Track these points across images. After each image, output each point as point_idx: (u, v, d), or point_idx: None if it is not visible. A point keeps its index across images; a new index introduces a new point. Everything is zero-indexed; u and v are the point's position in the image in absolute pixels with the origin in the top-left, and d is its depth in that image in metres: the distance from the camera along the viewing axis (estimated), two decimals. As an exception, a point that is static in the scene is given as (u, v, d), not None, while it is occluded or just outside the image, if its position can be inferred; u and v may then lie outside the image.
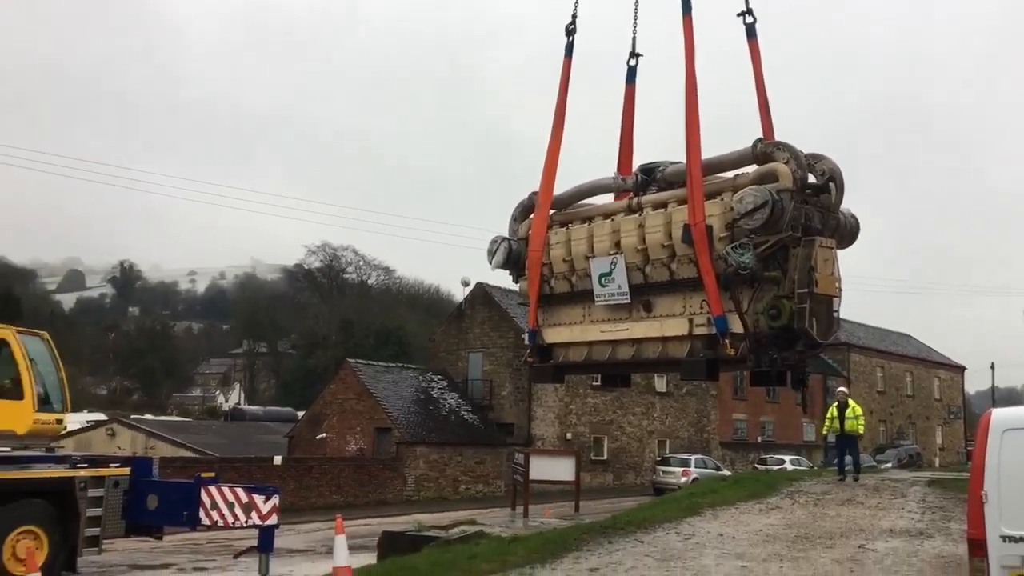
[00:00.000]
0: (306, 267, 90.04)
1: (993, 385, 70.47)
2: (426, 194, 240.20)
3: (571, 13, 12.27)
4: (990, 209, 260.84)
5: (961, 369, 76.87)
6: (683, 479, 36.37)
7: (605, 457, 45.29)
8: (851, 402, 19.75)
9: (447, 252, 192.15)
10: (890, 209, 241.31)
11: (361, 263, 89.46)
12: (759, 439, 54.98)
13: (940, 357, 75.54)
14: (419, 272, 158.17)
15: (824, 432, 20.44)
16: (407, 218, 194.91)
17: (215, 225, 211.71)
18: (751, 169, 10.39)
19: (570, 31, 12.29)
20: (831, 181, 10.12)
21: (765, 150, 10.18)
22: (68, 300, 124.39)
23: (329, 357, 64.99)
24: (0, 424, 13.46)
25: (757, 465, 42.39)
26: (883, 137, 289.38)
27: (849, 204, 10.43)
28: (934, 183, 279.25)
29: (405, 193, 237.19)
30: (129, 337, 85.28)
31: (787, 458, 43.51)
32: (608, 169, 12.40)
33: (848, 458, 19.53)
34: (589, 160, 12.83)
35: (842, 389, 21.43)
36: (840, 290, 10.07)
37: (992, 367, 69.74)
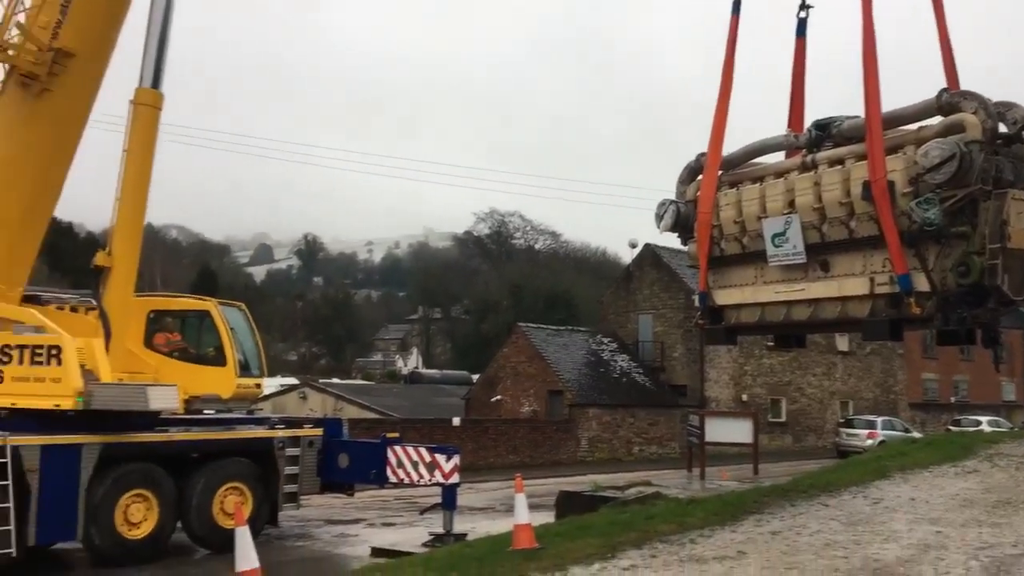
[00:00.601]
0: (475, 234, 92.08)
1: None
2: (590, 156, 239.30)
3: None
4: None
5: None
6: (868, 442, 34.87)
7: (783, 419, 44.02)
8: None
9: (613, 214, 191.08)
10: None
11: (528, 228, 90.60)
12: (952, 400, 51.80)
13: None
14: (586, 235, 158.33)
15: None
16: (572, 181, 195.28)
17: (388, 197, 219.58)
18: (935, 121, 9.87)
19: None
20: None
21: (951, 100, 9.67)
22: (259, 273, 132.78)
23: (500, 322, 66.34)
24: (206, 388, 14.61)
25: (950, 427, 40.02)
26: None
27: None
28: None
29: (570, 156, 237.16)
30: (315, 306, 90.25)
31: (984, 419, 40.79)
32: (775, 128, 12.04)
33: None
34: (757, 119, 12.35)
35: None
36: None
37: None
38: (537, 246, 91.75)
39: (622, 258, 71.82)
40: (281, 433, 15.18)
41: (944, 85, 10.13)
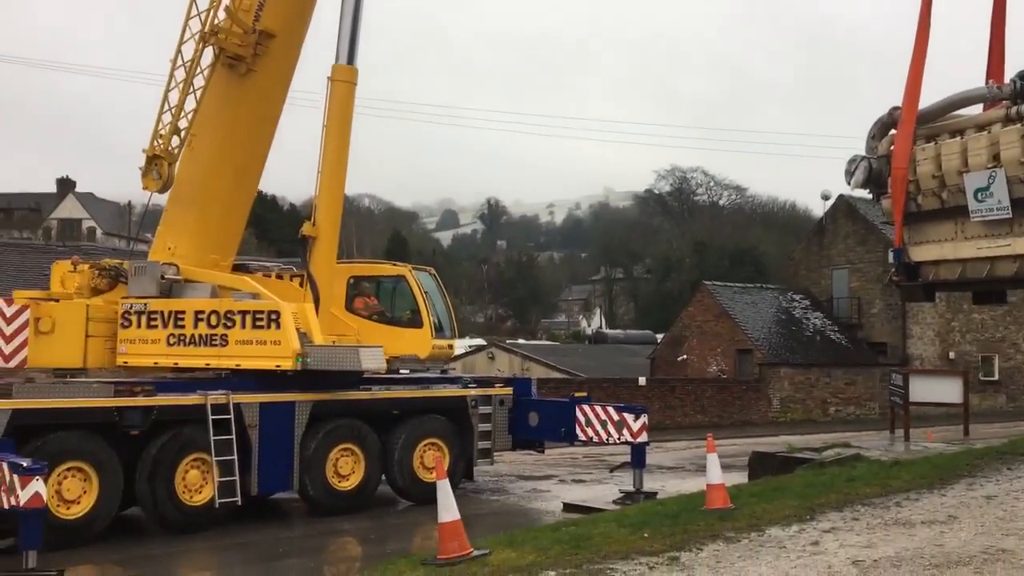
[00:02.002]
0: (656, 192, 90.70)
1: None
2: (770, 106, 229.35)
3: None
4: None
5: None
6: (1097, 402, 31.90)
7: (996, 378, 40.93)
8: None
9: (802, 165, 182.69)
10: None
11: (711, 184, 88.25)
12: None
13: None
14: (773, 189, 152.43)
15: None
16: (756, 132, 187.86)
17: (567, 158, 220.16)
18: None
19: None
20: None
21: None
22: (445, 238, 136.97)
23: (684, 280, 65.32)
24: (405, 349, 15.31)
25: None
26: None
27: None
28: None
29: (750, 107, 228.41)
30: (499, 268, 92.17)
31: None
32: (973, 81, 11.45)
33: None
34: (953, 71, 11.59)
35: None
36: None
37: None
38: (721, 202, 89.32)
39: (813, 211, 68.93)
40: (474, 392, 15.70)
41: None
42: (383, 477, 14.51)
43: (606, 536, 8.98)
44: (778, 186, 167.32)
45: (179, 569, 11.25)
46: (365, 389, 14.66)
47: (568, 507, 13.86)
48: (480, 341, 54.78)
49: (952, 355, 39.30)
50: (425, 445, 14.79)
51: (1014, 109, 10.37)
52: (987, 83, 11.19)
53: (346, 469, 13.79)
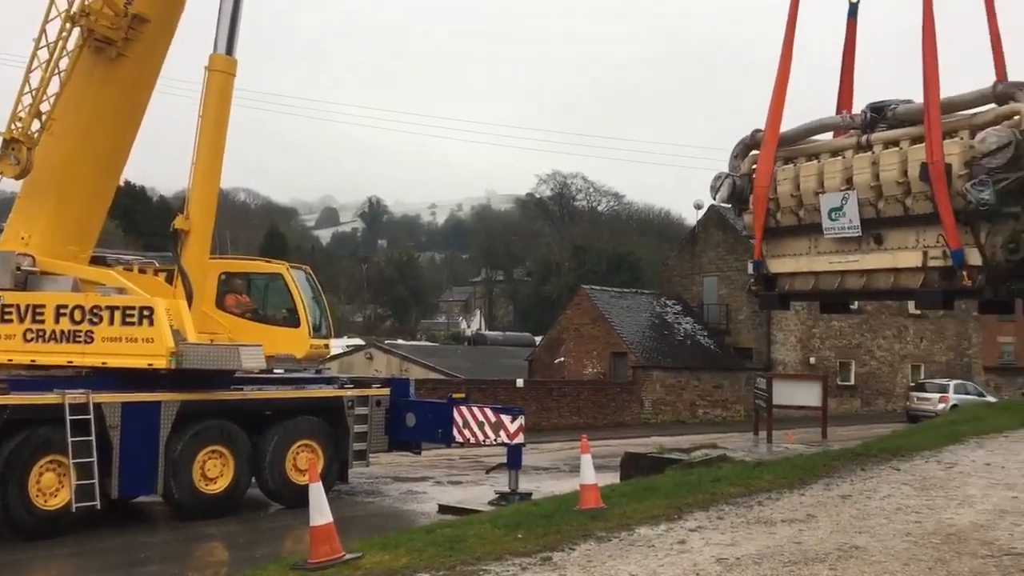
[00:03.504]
0: (537, 196, 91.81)
1: None
2: (651, 117, 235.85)
3: None
4: None
5: None
6: (940, 406, 34.15)
7: (852, 382, 43.32)
8: None
9: (678, 175, 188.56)
10: None
11: (591, 190, 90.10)
12: (1029, 364, 50.35)
13: None
14: (649, 196, 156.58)
15: None
16: (636, 141, 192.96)
17: (450, 160, 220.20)
18: (989, 108, 10.50)
19: None
20: None
21: (1005, 91, 10.36)
22: (325, 235, 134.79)
23: (563, 284, 66.32)
24: (280, 349, 14.95)
25: (1027, 392, 38.96)
26: None
27: None
28: None
29: (629, 115, 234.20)
30: (380, 268, 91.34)
31: (1063, 384, 39.59)
32: (823, 107, 12.59)
33: None
34: (807, 97, 12.56)
35: None
36: None
37: None
38: (600, 208, 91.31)
39: (686, 220, 71.01)
40: (350, 392, 15.47)
41: (993, 74, 10.77)
42: (253, 480, 14.12)
43: (480, 537, 9.00)
44: (654, 194, 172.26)
45: (30, 578, 10.63)
46: (236, 389, 14.22)
47: (443, 509, 13.84)
48: (358, 341, 54.11)
49: (812, 360, 41.32)
50: (299, 447, 14.48)
51: (865, 138, 11.29)
52: (841, 113, 12.16)
53: (214, 472, 13.35)
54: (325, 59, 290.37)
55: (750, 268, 12.84)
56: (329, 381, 16.27)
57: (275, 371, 15.55)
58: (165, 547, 11.86)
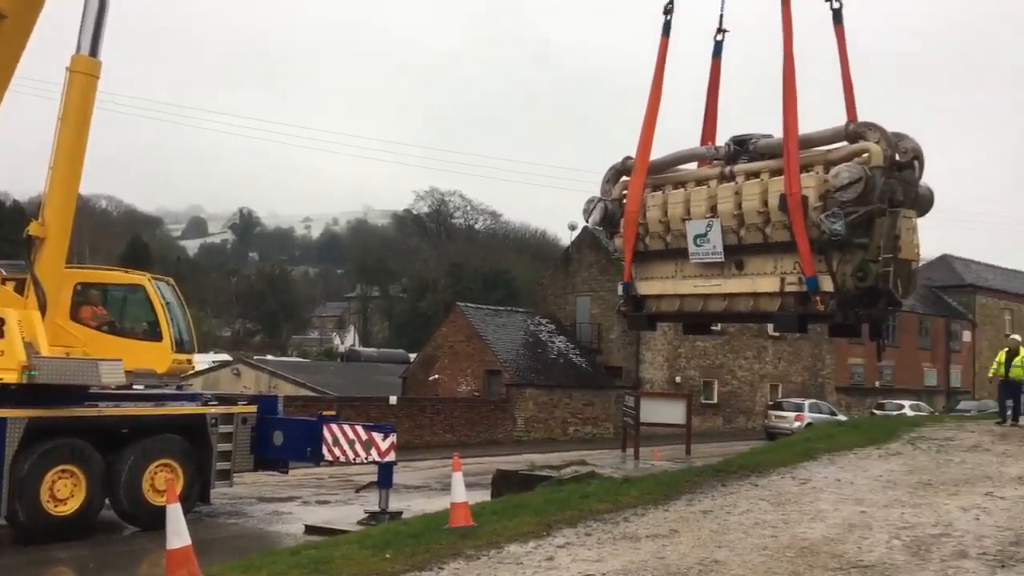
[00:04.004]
0: (415, 212, 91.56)
1: None
2: (528, 138, 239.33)
3: None
4: None
5: (1099, 312, 72.40)
6: (796, 424, 35.79)
7: (715, 401, 44.91)
8: (1022, 350, 20.09)
9: (554, 195, 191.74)
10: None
11: (468, 208, 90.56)
12: (877, 384, 53.39)
13: (1076, 300, 71.29)
14: (526, 216, 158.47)
15: (990, 376, 21.31)
16: (513, 161, 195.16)
17: (327, 172, 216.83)
18: (842, 145, 11.17)
19: (668, 10, 12.77)
20: (915, 159, 11.06)
21: (857, 130, 11.04)
22: (192, 246, 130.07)
23: (439, 301, 66.21)
24: (140, 363, 14.30)
25: (875, 411, 41.30)
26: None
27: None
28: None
29: (507, 136, 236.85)
30: (250, 281, 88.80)
31: (907, 403, 42.18)
32: (687, 136, 13.26)
33: (1009, 403, 19.81)
34: (672, 124, 13.28)
35: (1015, 336, 22.01)
36: (919, 255, 11.45)
37: None
38: (477, 226, 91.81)
39: (561, 240, 72.34)
40: (214, 410, 14.95)
41: (844, 112, 11.56)
42: (108, 501, 13.43)
43: (347, 558, 8.83)
44: (531, 214, 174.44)
45: None
46: (91, 405, 13.51)
47: (310, 529, 13.51)
48: (225, 356, 52.44)
49: (678, 379, 42.64)
50: (157, 466, 13.85)
51: (728, 169, 11.85)
52: (706, 144, 12.73)
53: (64, 492, 12.60)
54: (196, 63, 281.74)
55: (620, 290, 13.22)
56: (192, 398, 15.68)
57: (134, 387, 14.88)
58: (6, 573, 11.10)
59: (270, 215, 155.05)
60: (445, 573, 8.14)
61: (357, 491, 16.24)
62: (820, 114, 12.16)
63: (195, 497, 14.44)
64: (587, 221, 13.53)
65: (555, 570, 8.17)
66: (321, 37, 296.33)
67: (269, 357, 56.34)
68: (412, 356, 50.49)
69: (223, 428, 14.88)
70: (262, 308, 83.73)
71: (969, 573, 7.90)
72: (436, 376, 40.56)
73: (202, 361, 40.84)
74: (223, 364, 46.63)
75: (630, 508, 10.91)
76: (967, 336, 60.44)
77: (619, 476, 14.00)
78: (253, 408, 15.63)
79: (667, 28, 12.77)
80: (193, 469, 14.32)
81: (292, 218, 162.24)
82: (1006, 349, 20.32)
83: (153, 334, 14.74)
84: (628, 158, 12.92)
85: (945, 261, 63.46)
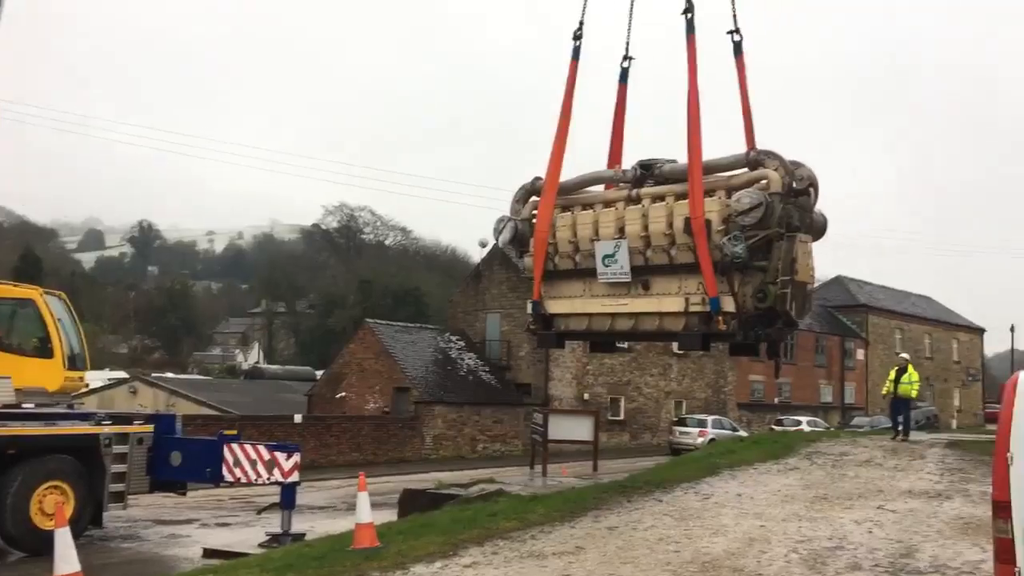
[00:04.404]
0: (324, 227, 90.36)
1: (1013, 347, 70.03)
2: (439, 155, 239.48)
3: (578, 20, 12.96)
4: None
5: (980, 331, 76.40)
6: (700, 440, 36.54)
7: (622, 417, 45.50)
8: (910, 368, 20.98)
9: (465, 212, 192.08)
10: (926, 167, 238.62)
11: (378, 223, 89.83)
12: (776, 400, 55.02)
13: (960, 319, 75.08)
14: (436, 233, 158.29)
15: (883, 394, 22.25)
16: (423, 177, 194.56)
17: (232, 185, 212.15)
18: (743, 172, 11.62)
19: (577, 36, 12.99)
20: (811, 187, 11.54)
21: (757, 157, 11.47)
22: (88, 259, 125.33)
23: (347, 317, 65.34)
24: (31, 381, 13.66)
25: (774, 426, 42.47)
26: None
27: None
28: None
29: (417, 153, 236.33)
30: (149, 296, 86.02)
31: (804, 419, 43.57)
32: (593, 157, 13.51)
33: (901, 418, 20.63)
34: (586, 151, 13.59)
35: (904, 355, 22.94)
36: (813, 278, 11.99)
37: (1012, 330, 69.34)
38: (387, 242, 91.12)
39: (472, 257, 72.43)
40: (108, 429, 14.36)
41: (743, 138, 11.98)
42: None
43: (247, 582, 8.58)
44: (442, 231, 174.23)
45: None
46: (-27, 425, 12.82)
47: (209, 552, 13.08)
48: (122, 374, 50.58)
49: (586, 396, 43.07)
50: (46, 488, 13.21)
51: (635, 192, 12.18)
52: (614, 167, 13.04)
53: (-57, 518, 11.91)
54: (94, 72, 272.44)
55: (529, 308, 13.30)
56: (84, 417, 15.01)
57: (24, 405, 14.18)
58: None
59: (171, 228, 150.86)
60: (349, 595, 7.98)
61: (259, 512, 15.83)
62: (721, 140, 12.52)
63: (86, 521, 13.84)
64: (497, 240, 13.62)
65: (461, 590, 8.10)
66: (223, 47, 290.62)
67: (168, 375, 54.50)
68: (319, 374, 49.63)
69: (117, 448, 14.31)
70: (162, 324, 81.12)
71: (862, 584, 8.16)
72: (343, 394, 39.96)
73: (96, 379, 39.27)
74: (119, 382, 44.96)
75: (537, 526, 10.92)
76: (860, 354, 62.90)
77: (527, 494, 14.01)
78: (150, 427, 15.08)
79: (576, 53, 13.02)
80: (84, 491, 13.72)
81: (194, 231, 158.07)
82: (895, 367, 21.16)
83: (44, 351, 14.10)
84: (538, 178, 13.14)
85: (840, 282, 66.00)
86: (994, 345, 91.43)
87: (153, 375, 49.78)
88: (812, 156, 11.64)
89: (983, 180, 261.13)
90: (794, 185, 11.36)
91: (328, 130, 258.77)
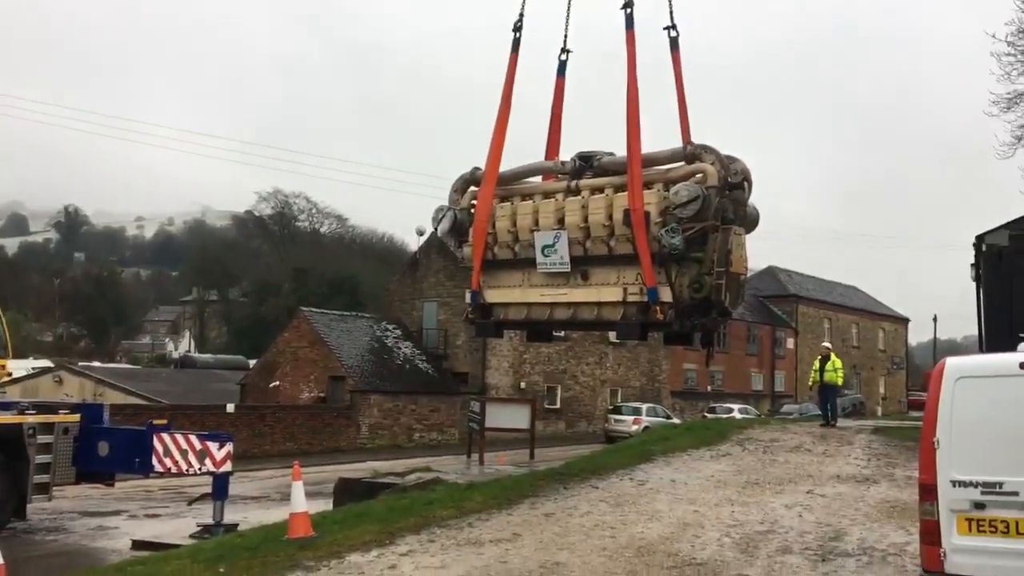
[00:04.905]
0: (257, 214, 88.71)
1: (935, 337, 72.43)
2: (376, 142, 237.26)
3: (519, 12, 13.00)
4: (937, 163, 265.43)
5: (905, 321, 78.79)
6: (634, 427, 36.95)
7: (558, 406, 45.78)
8: (833, 356, 21.42)
9: (401, 200, 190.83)
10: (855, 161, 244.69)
11: (313, 211, 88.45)
12: (709, 388, 55.99)
13: (885, 309, 77.29)
14: (372, 220, 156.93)
15: (810, 383, 22.56)
16: (359, 164, 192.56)
17: (161, 170, 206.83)
18: (680, 165, 11.84)
19: (517, 28, 13.03)
20: (745, 180, 11.78)
21: (694, 151, 11.74)
22: (11, 245, 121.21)
23: (281, 306, 64.32)
24: (-53, 370, 13.15)
25: (706, 414, 43.23)
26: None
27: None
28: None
29: (353, 140, 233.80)
30: (76, 283, 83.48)
31: (735, 407, 44.42)
32: (531, 149, 13.60)
33: (829, 405, 21.15)
34: (525, 143, 13.62)
35: (826, 344, 23.41)
36: (747, 269, 12.30)
37: (935, 320, 71.70)
38: (323, 229, 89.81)
39: (409, 245, 71.88)
40: (32, 419, 13.93)
41: (679, 133, 12.21)
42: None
43: (178, 573, 8.40)
44: (378, 219, 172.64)
45: None
46: None
47: (138, 544, 12.80)
48: (46, 362, 49.10)
49: (523, 385, 43.22)
50: (-35, 481, 12.76)
51: (574, 183, 12.28)
52: (552, 159, 13.13)
53: None
54: (10, 52, 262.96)
55: (468, 298, 13.34)
56: (7, 406, 14.55)
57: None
58: None
59: (98, 213, 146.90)
60: (283, 586, 7.87)
61: (189, 504, 15.52)
62: (657, 133, 12.67)
63: (9, 513, 13.42)
64: (436, 229, 13.64)
65: (398, 578, 8.05)
66: (154, 31, 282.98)
67: (95, 363, 53.04)
68: (252, 363, 48.84)
69: (42, 438, 13.89)
70: (88, 312, 78.84)
71: (793, 568, 8.35)
72: (277, 383, 39.40)
73: (20, 368, 38.01)
74: (44, 371, 43.62)
75: (474, 513, 10.91)
76: (790, 343, 64.35)
77: (464, 482, 13.99)
78: (76, 417, 14.67)
79: (516, 45, 13.06)
80: (8, 483, 13.32)
81: (123, 217, 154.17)
82: (819, 356, 21.64)
83: (-38, 339, 13.57)
84: (476, 168, 13.16)
85: (771, 272, 67.37)
86: (918, 335, 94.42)
87: (79, 364, 48.41)
88: (734, 148, 11.84)
89: (909, 174, 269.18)
90: (729, 179, 11.60)
91: (262, 116, 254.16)
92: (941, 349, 67.47)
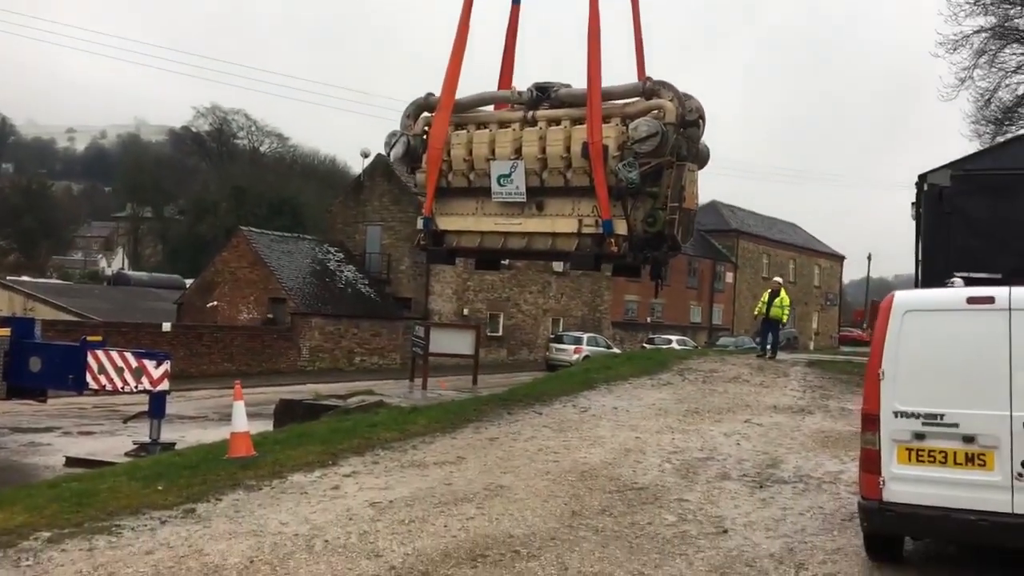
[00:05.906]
0: (194, 130, 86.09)
1: (868, 275, 74.26)
2: (321, 58, 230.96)
3: None
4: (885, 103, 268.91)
5: (841, 259, 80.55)
6: (575, 356, 37.35)
7: (500, 333, 46.01)
8: (783, 292, 21.68)
9: (346, 120, 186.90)
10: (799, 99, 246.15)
11: (253, 128, 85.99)
12: (648, 320, 56.76)
13: (822, 246, 78.84)
14: (315, 140, 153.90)
15: (755, 314, 22.95)
16: (303, 80, 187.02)
17: (94, 79, 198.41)
18: (638, 100, 11.83)
19: None
20: (700, 119, 11.88)
21: (653, 87, 11.78)
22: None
23: (219, 225, 62.96)
24: None
25: (645, 344, 43.87)
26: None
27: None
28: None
29: (297, 55, 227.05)
30: (5, 195, 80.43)
31: (674, 338, 45.13)
32: (481, 78, 13.43)
33: (769, 338, 21.43)
34: (485, 70, 13.32)
35: (777, 279, 23.76)
36: (697, 205, 12.67)
37: (869, 258, 73.39)
38: (262, 148, 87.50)
39: (352, 168, 70.76)
40: (-41, 333, 13.44)
41: (635, 68, 12.31)
42: None
43: (114, 491, 8.24)
44: (321, 139, 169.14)
45: None
46: None
47: (72, 461, 12.60)
48: (-27, 276, 47.48)
49: (466, 312, 43.25)
50: None
51: (531, 114, 12.17)
52: (506, 88, 12.95)
53: None
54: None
55: (420, 224, 13.21)
56: (-69, 319, 14.02)
57: None
58: None
59: (28, 123, 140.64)
60: (223, 504, 7.78)
61: (125, 421, 15.29)
62: (612, 69, 12.52)
63: (-66, 429, 13.01)
64: (388, 155, 13.43)
65: (341, 498, 8.02)
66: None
67: (25, 278, 51.48)
68: (188, 282, 47.93)
69: (-31, 353, 13.43)
70: (17, 225, 76.12)
71: (732, 493, 8.52)
72: (215, 303, 38.77)
73: (-56, 280, 36.71)
74: (-30, 285, 42.19)
75: (418, 436, 10.92)
76: (729, 277, 65.38)
77: (407, 405, 13.99)
78: (6, 331, 14.21)
79: None
80: (-69, 398, 12.86)
81: (54, 128, 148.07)
82: (768, 291, 21.94)
83: None
84: (431, 94, 12.98)
85: (714, 207, 67.94)
86: (851, 272, 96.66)
87: (8, 278, 46.94)
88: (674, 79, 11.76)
89: (849, 111, 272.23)
90: (686, 116, 11.68)
91: (197, 23, 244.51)
92: (873, 287, 69.31)
